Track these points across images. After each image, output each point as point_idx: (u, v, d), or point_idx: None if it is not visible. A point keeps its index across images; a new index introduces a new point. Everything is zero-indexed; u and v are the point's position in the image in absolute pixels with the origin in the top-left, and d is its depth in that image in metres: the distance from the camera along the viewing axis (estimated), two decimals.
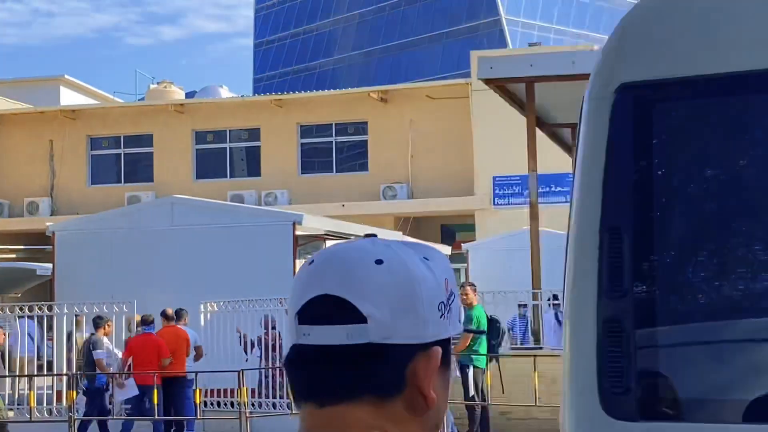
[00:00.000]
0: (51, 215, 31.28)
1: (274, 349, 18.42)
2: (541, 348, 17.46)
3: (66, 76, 43.31)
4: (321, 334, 1.19)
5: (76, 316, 19.53)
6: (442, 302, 1.23)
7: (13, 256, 26.09)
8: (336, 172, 35.29)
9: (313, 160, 35.91)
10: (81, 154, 37.14)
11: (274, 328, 18.67)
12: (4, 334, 18.47)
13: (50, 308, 19.31)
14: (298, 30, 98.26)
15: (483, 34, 74.98)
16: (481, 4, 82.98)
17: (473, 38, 70.31)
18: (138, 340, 17.97)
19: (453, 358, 1.32)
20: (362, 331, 1.15)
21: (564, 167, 22.75)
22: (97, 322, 18.24)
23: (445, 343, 1.24)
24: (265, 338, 18.59)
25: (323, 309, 1.18)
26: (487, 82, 18.56)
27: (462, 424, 15.36)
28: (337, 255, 1.25)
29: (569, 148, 21.52)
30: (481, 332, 14.76)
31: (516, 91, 18.33)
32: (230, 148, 36.92)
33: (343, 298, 1.17)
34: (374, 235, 1.32)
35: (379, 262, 1.19)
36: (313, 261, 1.27)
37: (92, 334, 18.74)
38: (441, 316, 1.22)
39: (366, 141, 35.49)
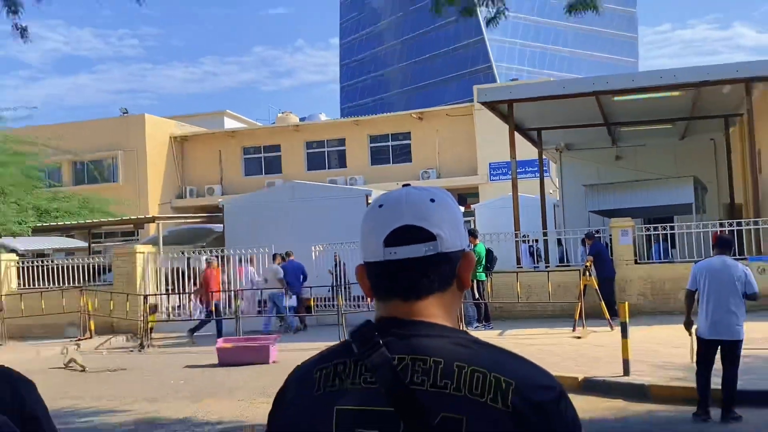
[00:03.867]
0: (221, 195, 31.44)
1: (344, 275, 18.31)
2: (521, 267, 17.26)
3: (228, 111, 43.34)
4: (407, 251, 1.20)
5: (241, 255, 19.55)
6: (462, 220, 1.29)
7: (198, 220, 26.24)
8: (392, 163, 35.06)
9: (379, 156, 35.79)
10: (238, 157, 37.26)
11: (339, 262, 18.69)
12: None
13: (223, 251, 19.31)
14: (366, 77, 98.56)
15: (480, 74, 76.09)
16: (478, 58, 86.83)
17: (474, 78, 70.59)
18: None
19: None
20: (435, 246, 1.19)
21: (532, 155, 22.58)
22: (274, 256, 18.11)
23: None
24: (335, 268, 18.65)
25: (405, 235, 1.20)
26: (484, 104, 18.67)
27: (472, 315, 15.38)
28: (403, 198, 1.25)
29: (534, 143, 21.39)
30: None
31: (502, 109, 18.22)
32: (327, 151, 36.78)
33: (419, 226, 1.20)
34: (409, 185, 1.33)
35: (432, 200, 1.22)
36: (381, 204, 1.27)
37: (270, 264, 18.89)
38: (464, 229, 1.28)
39: (410, 144, 35.32)
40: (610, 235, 16.86)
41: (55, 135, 29.87)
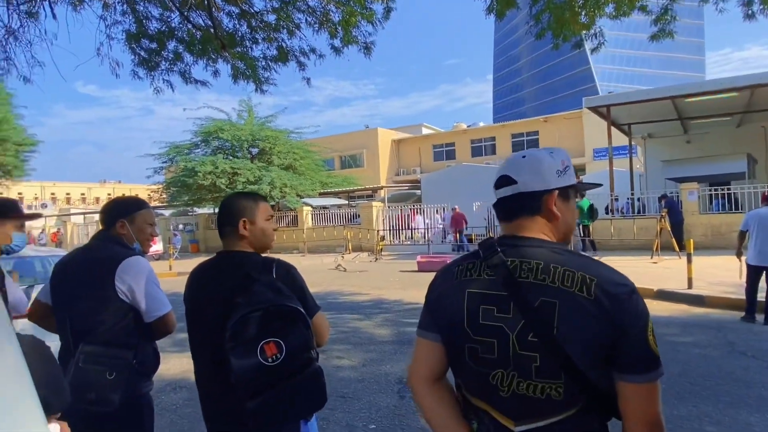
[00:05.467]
0: (420, 174, 31.69)
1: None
2: (614, 216, 15.71)
3: (424, 123, 43.14)
4: (499, 192, 1.14)
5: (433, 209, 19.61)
6: (558, 169, 1.11)
7: (407, 188, 26.67)
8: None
9: (517, 147, 34.05)
10: (430, 150, 37.33)
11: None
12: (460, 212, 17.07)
13: (422, 205, 19.54)
14: (509, 98, 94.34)
15: (587, 91, 68.91)
16: (585, 80, 80.00)
17: (582, 93, 64.37)
18: (456, 215, 17.52)
19: (572, 195, 1.16)
20: (516, 188, 1.11)
21: (623, 142, 20.27)
22: (453, 208, 17.37)
23: (563, 189, 1.12)
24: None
25: (500, 181, 1.14)
26: (590, 108, 16.86)
27: (579, 248, 14.32)
28: (509, 158, 1.17)
29: (625, 133, 19.09)
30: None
31: (602, 111, 16.46)
32: (484, 145, 35.72)
33: (507, 174, 1.13)
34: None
35: (523, 156, 1.14)
36: (503, 163, 1.18)
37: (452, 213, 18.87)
38: (558, 176, 1.11)
39: (538, 138, 33.18)
40: (677, 195, 14.87)
41: (330, 141, 31.84)
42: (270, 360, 1.37)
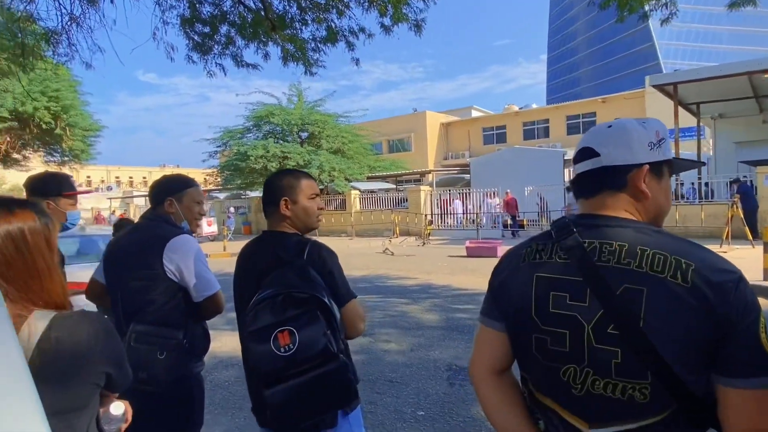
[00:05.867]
0: (469, 158, 31.12)
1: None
2: (679, 202, 14.80)
3: (474, 106, 42.36)
4: (579, 167, 1.03)
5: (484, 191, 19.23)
6: (651, 142, 0.97)
7: (455, 172, 26.29)
8: (581, 132, 31.93)
9: (572, 129, 32.80)
10: (479, 134, 36.58)
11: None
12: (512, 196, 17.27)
13: (470, 190, 19.24)
14: (563, 78, 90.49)
15: (650, 69, 64.01)
16: (647, 58, 73.32)
17: (644, 71, 60.50)
18: (509, 199, 17.18)
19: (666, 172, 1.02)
20: (598, 161, 0.99)
21: (689, 123, 18.94)
22: (506, 192, 17.33)
23: (655, 164, 0.98)
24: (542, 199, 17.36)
25: (579, 154, 1.03)
26: (655, 86, 15.83)
27: None
28: (592, 128, 1.04)
29: (693, 114, 17.83)
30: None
31: (668, 89, 15.43)
32: (536, 128, 34.58)
33: (589, 147, 1.01)
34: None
35: (609, 126, 1.01)
36: (585, 135, 1.06)
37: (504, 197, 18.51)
38: (651, 150, 0.97)
39: (595, 120, 31.75)
40: (751, 180, 13.74)
41: (378, 125, 31.84)
42: (282, 350, 1.29)
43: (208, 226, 21.30)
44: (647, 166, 0.98)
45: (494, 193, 18.55)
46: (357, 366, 4.81)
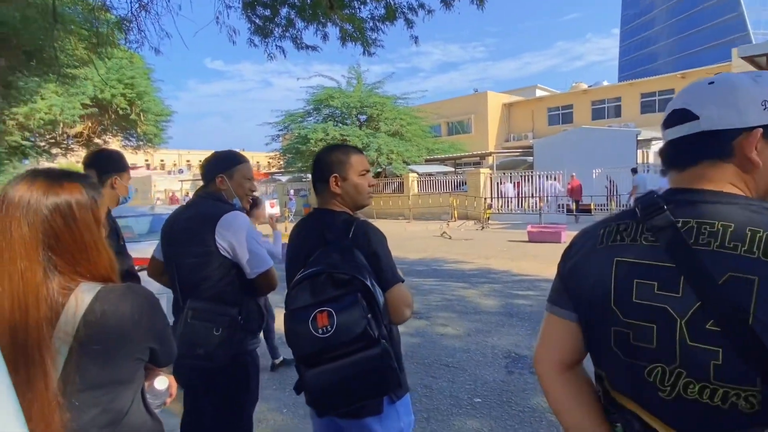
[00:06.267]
0: (532, 139, 29.99)
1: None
2: None
3: (538, 85, 40.64)
4: (670, 133, 0.88)
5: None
6: (765, 100, 0.81)
7: (517, 154, 25.48)
8: (657, 111, 29.78)
9: (647, 107, 30.67)
10: (544, 114, 35.14)
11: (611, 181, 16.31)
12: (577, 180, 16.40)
13: (532, 172, 18.54)
14: (638, 53, 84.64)
15: (737, 41, 58.22)
16: (735, 29, 66.58)
17: (731, 44, 55.14)
18: (574, 184, 16.43)
19: None
20: (695, 126, 0.84)
21: None
22: (572, 175, 16.98)
23: None
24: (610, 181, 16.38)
25: (672, 117, 0.88)
26: (744, 58, 14.23)
27: None
28: (688, 86, 0.90)
29: None
30: None
31: (760, 61, 13.93)
32: (606, 107, 32.70)
33: (684, 108, 0.86)
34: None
35: (711, 83, 0.86)
36: (679, 94, 0.91)
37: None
38: (765, 110, 0.81)
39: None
40: None
41: (437, 107, 31.40)
42: (321, 331, 1.24)
43: (270, 208, 22.05)
44: (760, 131, 0.82)
45: (559, 176, 17.79)
46: (412, 349, 4.77)
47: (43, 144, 17.83)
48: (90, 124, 18.03)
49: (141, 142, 20.00)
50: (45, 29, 5.18)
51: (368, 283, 1.31)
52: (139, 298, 1.00)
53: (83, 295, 0.94)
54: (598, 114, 33.21)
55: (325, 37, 6.74)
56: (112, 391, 0.98)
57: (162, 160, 63.66)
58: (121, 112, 17.33)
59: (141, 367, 1.05)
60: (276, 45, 6.81)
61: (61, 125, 16.22)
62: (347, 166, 1.54)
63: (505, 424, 3.03)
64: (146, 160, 53.14)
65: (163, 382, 1.14)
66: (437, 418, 3.14)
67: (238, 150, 2.03)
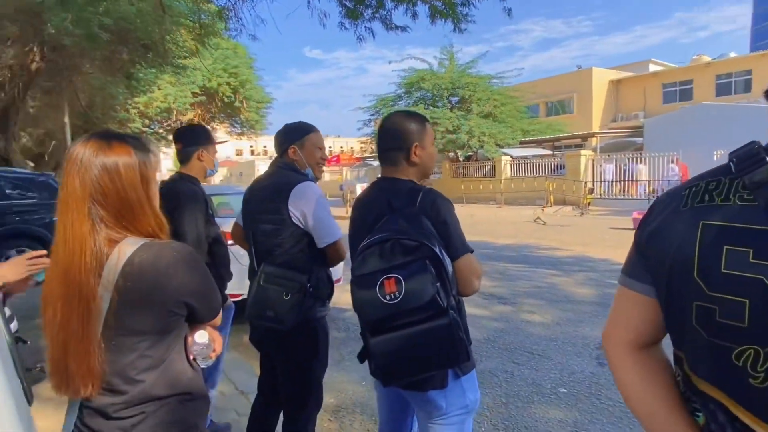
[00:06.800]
0: (643, 119, 27.50)
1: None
2: None
3: (652, 59, 37.04)
4: None
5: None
6: None
7: (624, 135, 23.56)
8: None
9: (729, 90, 26.65)
10: (658, 91, 31.97)
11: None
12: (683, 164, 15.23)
13: (641, 154, 17.00)
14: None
15: None
16: None
17: None
18: (683, 166, 14.93)
19: None
20: None
21: None
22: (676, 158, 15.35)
23: None
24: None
25: None
26: None
27: None
28: None
29: None
30: None
31: None
32: (734, 81, 28.98)
33: None
34: None
35: None
36: None
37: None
38: None
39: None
40: None
41: (535, 86, 29.93)
42: (388, 297, 1.23)
43: (361, 191, 22.63)
44: None
45: (675, 158, 16.14)
46: (494, 333, 4.67)
47: (161, 131, 19.84)
48: (200, 112, 19.68)
49: (245, 128, 21.45)
50: (158, 22, 5.67)
51: (437, 251, 1.28)
52: (176, 254, 1.04)
53: (126, 248, 1.01)
54: (723, 89, 29.43)
55: (414, 15, 6.66)
56: (148, 339, 1.05)
57: (265, 146, 67.92)
58: (226, 99, 18.70)
59: (178, 321, 1.10)
60: (365, 27, 6.87)
61: (175, 113, 17.90)
62: (425, 134, 1.55)
63: (592, 418, 2.86)
64: (251, 146, 56.99)
65: (202, 335, 1.17)
66: (516, 404, 3.05)
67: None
